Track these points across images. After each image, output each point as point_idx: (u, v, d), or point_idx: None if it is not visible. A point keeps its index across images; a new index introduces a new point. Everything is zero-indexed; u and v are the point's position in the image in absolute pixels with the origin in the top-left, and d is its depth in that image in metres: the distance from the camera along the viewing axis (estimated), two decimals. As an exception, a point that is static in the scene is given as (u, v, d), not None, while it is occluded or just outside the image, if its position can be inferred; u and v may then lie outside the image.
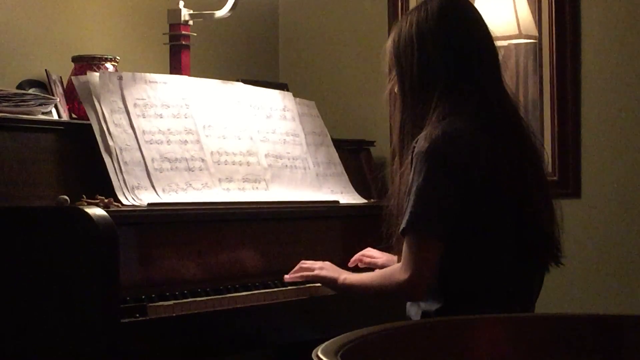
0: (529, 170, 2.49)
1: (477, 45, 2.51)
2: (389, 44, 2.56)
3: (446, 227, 2.37)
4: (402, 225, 2.38)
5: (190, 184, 2.92)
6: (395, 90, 2.56)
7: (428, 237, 2.38)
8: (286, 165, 3.26)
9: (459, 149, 2.38)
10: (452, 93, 2.45)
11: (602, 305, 3.56)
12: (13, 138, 2.65)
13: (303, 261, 2.86)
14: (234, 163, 3.08)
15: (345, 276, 2.68)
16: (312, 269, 2.79)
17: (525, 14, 3.57)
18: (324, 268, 2.77)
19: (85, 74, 2.92)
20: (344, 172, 3.52)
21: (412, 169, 2.39)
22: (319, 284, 2.88)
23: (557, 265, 2.52)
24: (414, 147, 2.41)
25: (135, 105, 2.91)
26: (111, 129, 2.82)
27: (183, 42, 3.42)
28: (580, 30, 3.66)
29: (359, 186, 3.58)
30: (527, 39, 3.62)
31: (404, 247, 2.39)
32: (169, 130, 2.95)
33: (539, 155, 2.56)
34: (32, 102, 2.83)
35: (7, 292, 2.51)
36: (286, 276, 2.86)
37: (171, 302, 2.54)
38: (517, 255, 2.45)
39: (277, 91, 3.42)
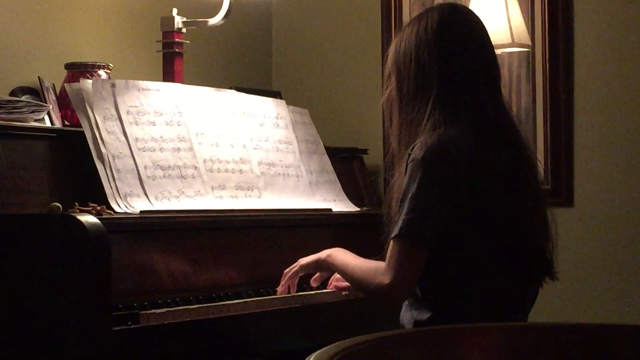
0: (524, 183, 2.50)
1: (473, 57, 2.52)
2: (390, 49, 2.59)
3: (436, 236, 2.38)
4: (395, 232, 2.38)
5: (182, 192, 2.91)
6: (393, 95, 2.58)
7: (417, 244, 2.38)
8: (279, 173, 3.26)
9: (454, 158, 2.38)
10: (446, 103, 2.46)
11: (595, 314, 3.56)
12: (5, 145, 2.64)
13: (284, 271, 2.88)
14: (226, 171, 3.08)
15: (329, 253, 2.71)
16: (295, 265, 2.83)
17: (519, 23, 3.58)
18: (303, 259, 2.82)
19: (78, 81, 2.92)
20: (337, 180, 3.52)
21: (407, 176, 2.40)
22: (311, 292, 2.89)
23: (552, 280, 2.53)
24: (409, 154, 2.41)
25: (128, 112, 2.91)
26: (104, 137, 2.82)
27: (176, 50, 3.42)
28: (573, 38, 3.67)
29: (352, 194, 3.58)
30: (520, 47, 3.63)
31: (390, 250, 2.39)
32: (161, 137, 2.95)
33: (533, 167, 2.56)
34: (24, 109, 2.83)
35: (-1, 299, 2.51)
36: (278, 288, 2.87)
37: (163, 310, 2.54)
38: (510, 268, 2.45)
39: (270, 99, 3.42)
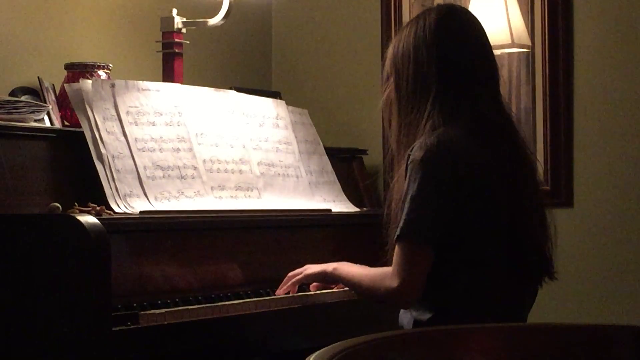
0: (523, 183, 2.50)
1: (471, 57, 2.52)
2: (389, 50, 2.59)
3: (439, 235, 2.38)
4: (397, 233, 2.39)
5: (182, 192, 2.91)
6: (392, 96, 2.58)
7: (420, 245, 2.38)
8: (279, 174, 3.26)
9: (454, 159, 2.39)
10: (445, 103, 2.47)
11: (594, 315, 3.56)
12: (5, 145, 2.64)
13: (289, 273, 2.87)
14: (226, 171, 3.08)
15: (335, 266, 2.70)
16: (300, 273, 2.81)
17: (518, 23, 3.57)
18: (309, 267, 2.80)
19: (78, 81, 2.92)
20: (337, 180, 3.52)
21: (407, 177, 2.40)
22: (311, 292, 2.89)
23: (552, 280, 2.53)
24: (409, 155, 2.41)
25: (127, 112, 2.91)
26: (103, 137, 2.82)
27: (176, 50, 3.42)
28: (572, 39, 3.67)
29: (351, 195, 3.58)
30: (520, 48, 3.62)
31: (396, 254, 2.40)
32: (161, 138, 2.95)
33: (532, 168, 2.57)
34: (24, 110, 2.82)
35: (-1, 299, 2.51)
36: (278, 291, 2.86)
37: (163, 311, 2.53)
38: (510, 268, 2.45)
39: (269, 99, 3.42)
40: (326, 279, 2.78)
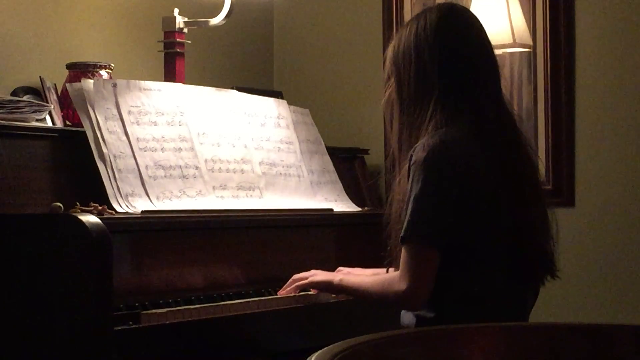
0: (525, 182, 2.50)
1: (474, 56, 2.52)
2: (389, 50, 2.58)
3: (443, 236, 2.38)
4: (401, 234, 2.39)
5: (184, 192, 2.92)
6: (393, 96, 2.57)
7: (426, 246, 2.38)
8: (280, 173, 3.26)
9: (456, 159, 2.39)
10: (448, 103, 2.46)
11: (595, 314, 3.56)
12: (7, 145, 2.65)
13: (294, 275, 2.86)
14: (228, 171, 3.08)
15: (341, 277, 2.69)
16: (306, 278, 2.80)
17: (520, 23, 3.57)
18: (317, 274, 2.78)
19: (80, 81, 2.92)
20: (338, 180, 3.52)
21: (410, 177, 2.40)
22: (312, 292, 2.88)
23: (553, 278, 2.53)
24: (412, 155, 2.41)
25: (129, 112, 2.91)
26: (105, 136, 2.82)
27: (178, 50, 3.42)
28: (574, 39, 3.67)
29: (353, 194, 3.58)
30: (522, 47, 3.62)
31: (402, 256, 2.39)
32: (163, 137, 2.95)
33: (534, 167, 2.57)
34: (26, 109, 2.83)
35: (0, 299, 2.51)
36: (280, 292, 2.86)
37: (164, 310, 2.54)
38: (512, 267, 2.45)
39: (271, 99, 3.42)
40: (331, 289, 2.76)
